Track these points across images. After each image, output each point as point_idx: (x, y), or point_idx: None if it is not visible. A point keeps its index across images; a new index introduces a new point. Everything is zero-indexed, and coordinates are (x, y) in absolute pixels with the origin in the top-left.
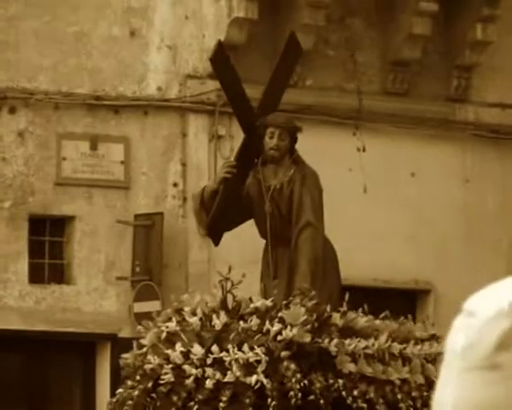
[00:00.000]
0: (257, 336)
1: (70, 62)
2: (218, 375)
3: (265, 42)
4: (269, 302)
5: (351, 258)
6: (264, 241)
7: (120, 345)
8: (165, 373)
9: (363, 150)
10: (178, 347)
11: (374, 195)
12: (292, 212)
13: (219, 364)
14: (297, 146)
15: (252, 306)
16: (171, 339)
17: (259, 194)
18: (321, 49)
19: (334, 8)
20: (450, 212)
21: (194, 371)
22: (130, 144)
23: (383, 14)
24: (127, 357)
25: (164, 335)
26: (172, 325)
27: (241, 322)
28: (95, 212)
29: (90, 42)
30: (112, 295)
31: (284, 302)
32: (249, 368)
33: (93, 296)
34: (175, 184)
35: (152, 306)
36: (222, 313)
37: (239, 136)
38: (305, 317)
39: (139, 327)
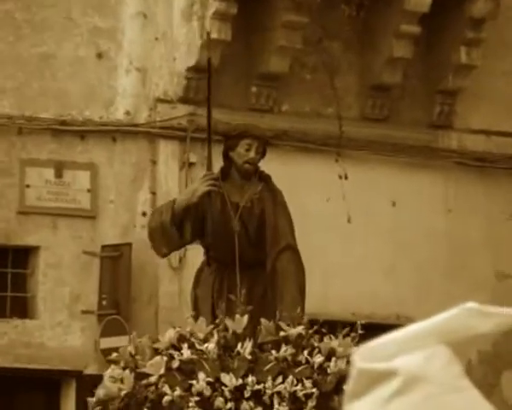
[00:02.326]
0: (300, 368)
1: (34, 85)
2: (260, 409)
3: (239, 64)
4: (301, 330)
5: (328, 290)
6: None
7: (86, 382)
8: (191, 406)
9: (346, 178)
10: (202, 377)
11: (353, 224)
12: (262, 232)
13: (257, 397)
14: (272, 171)
15: (282, 334)
16: (184, 368)
17: (223, 211)
18: (297, 72)
19: (311, 30)
20: (432, 243)
21: (228, 404)
22: (97, 172)
23: (362, 37)
24: (121, 388)
25: (176, 363)
26: (187, 353)
27: (273, 351)
28: (60, 242)
29: (56, 64)
30: (77, 330)
31: (311, 331)
32: (296, 402)
33: (57, 331)
34: (144, 214)
35: (119, 341)
36: (248, 341)
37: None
38: (353, 348)
39: (112, 357)
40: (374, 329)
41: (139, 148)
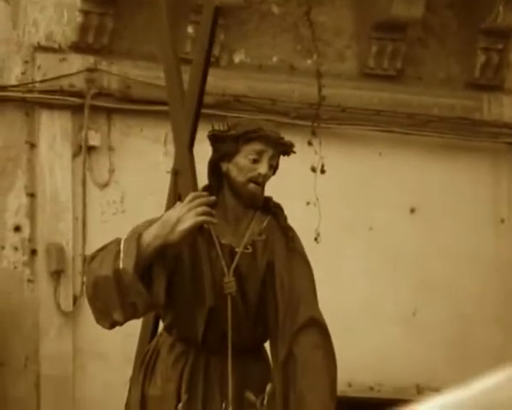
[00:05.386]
0: None
1: None
2: None
3: None
4: None
5: None
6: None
7: None
8: None
9: (322, 171)
10: None
11: (344, 248)
12: (267, 296)
13: None
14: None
15: None
16: None
17: (208, 259)
18: (257, 3)
19: None
20: (474, 274)
21: None
22: None
23: None
24: None
25: None
26: None
27: None
28: None
29: None
30: None
31: None
32: None
33: None
34: (17, 229)
35: None
36: None
37: (123, 147)
38: None
39: None
40: (383, 407)
41: (9, 123)
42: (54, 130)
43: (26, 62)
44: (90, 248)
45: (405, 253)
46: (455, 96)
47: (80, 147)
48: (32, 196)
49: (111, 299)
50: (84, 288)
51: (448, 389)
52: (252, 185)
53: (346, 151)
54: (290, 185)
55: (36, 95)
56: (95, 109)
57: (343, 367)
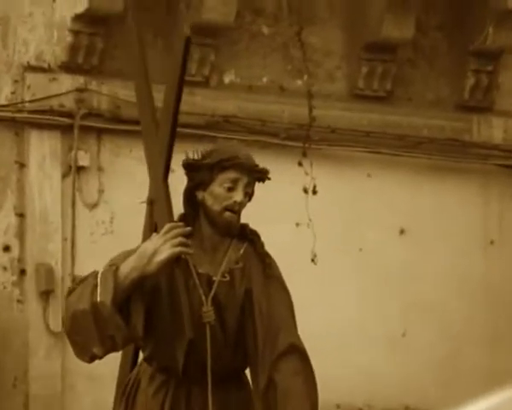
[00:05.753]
0: None
1: None
2: None
3: (154, 11)
4: None
5: None
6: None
7: None
8: None
9: (314, 192)
10: None
11: (334, 269)
12: (246, 324)
13: None
14: None
15: None
16: None
17: (186, 289)
18: (248, 23)
19: None
20: (463, 296)
21: None
22: None
23: None
24: None
25: None
26: None
27: None
28: None
29: None
30: None
31: None
32: None
33: None
34: (6, 248)
35: None
36: None
37: (113, 168)
38: None
39: None
40: None
41: None
42: (43, 150)
43: (16, 82)
44: (80, 269)
45: (395, 274)
46: (444, 118)
47: (70, 167)
48: (21, 216)
49: (89, 333)
50: (62, 322)
51: None
52: (227, 214)
53: (336, 172)
54: (280, 206)
55: (25, 115)
56: (84, 129)
57: (331, 388)
